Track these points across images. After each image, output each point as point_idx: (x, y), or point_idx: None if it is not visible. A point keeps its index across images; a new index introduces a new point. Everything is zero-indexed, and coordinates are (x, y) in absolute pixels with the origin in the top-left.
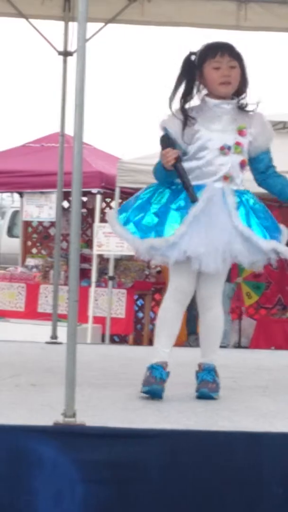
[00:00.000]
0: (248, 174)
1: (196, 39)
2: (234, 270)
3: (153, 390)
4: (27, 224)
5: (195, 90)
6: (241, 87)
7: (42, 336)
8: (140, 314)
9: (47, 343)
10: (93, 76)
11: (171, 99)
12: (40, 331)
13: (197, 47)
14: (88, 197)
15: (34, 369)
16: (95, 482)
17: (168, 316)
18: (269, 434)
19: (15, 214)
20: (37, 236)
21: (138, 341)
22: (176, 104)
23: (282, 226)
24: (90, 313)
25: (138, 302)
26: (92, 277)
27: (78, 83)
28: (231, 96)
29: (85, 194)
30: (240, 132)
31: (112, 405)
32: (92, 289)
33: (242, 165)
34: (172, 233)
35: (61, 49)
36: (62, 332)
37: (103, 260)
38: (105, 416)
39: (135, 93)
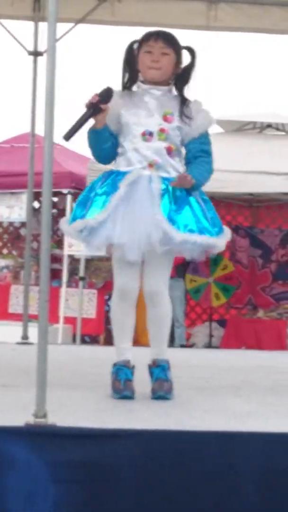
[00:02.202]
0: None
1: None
2: (206, 269)
3: (124, 397)
4: None
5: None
6: (179, 76)
7: (13, 337)
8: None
9: (18, 343)
10: (63, 76)
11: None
12: (11, 331)
13: None
14: (59, 198)
15: (5, 370)
16: (67, 483)
17: (118, 316)
18: (241, 434)
19: None
20: (7, 237)
21: (109, 341)
22: None
23: (224, 226)
24: (61, 314)
25: (109, 302)
26: (63, 278)
27: (48, 83)
28: (166, 82)
29: (55, 194)
30: (165, 118)
31: (83, 405)
32: (63, 289)
33: (169, 151)
34: (93, 217)
35: (31, 49)
36: (33, 332)
37: (73, 260)
38: (77, 417)
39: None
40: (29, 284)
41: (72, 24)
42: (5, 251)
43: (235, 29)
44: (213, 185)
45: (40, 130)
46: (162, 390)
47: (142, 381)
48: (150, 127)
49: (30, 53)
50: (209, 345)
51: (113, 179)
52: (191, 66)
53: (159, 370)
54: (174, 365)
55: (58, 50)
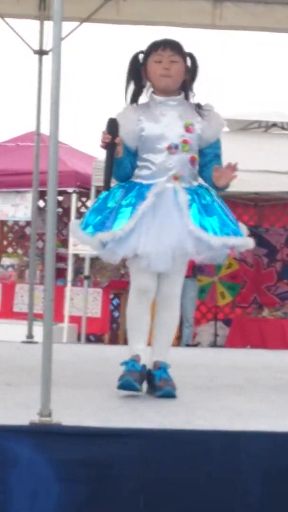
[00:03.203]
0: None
1: (171, 38)
2: (211, 268)
3: (126, 382)
4: (3, 223)
5: (144, 90)
6: (188, 83)
7: (17, 336)
8: (116, 313)
9: (23, 342)
10: (69, 75)
11: (126, 99)
12: (16, 330)
13: None
14: (64, 196)
15: (10, 369)
16: (71, 481)
17: (134, 315)
18: (245, 433)
19: None
20: (12, 236)
21: (113, 340)
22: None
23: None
24: (66, 313)
25: (114, 301)
26: (67, 277)
27: (53, 82)
28: (177, 91)
29: (60, 193)
30: (187, 129)
31: (88, 404)
32: (68, 288)
33: (192, 162)
34: (120, 228)
35: (36, 48)
36: (38, 331)
37: (78, 259)
38: (81, 415)
39: (111, 92)
40: (34, 283)
41: (77, 23)
42: (10, 250)
43: (240, 28)
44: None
45: (45, 129)
46: (169, 386)
47: (145, 381)
48: (175, 139)
49: (36, 52)
50: (214, 344)
51: (138, 190)
52: (194, 72)
53: (161, 372)
54: (179, 364)
55: (63, 49)
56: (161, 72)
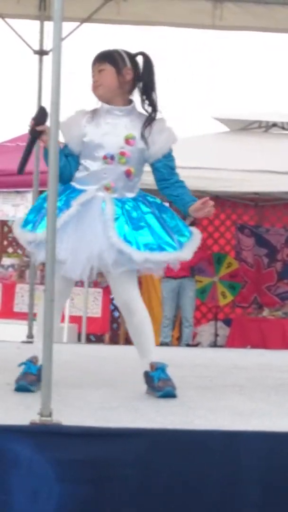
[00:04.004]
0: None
1: (172, 38)
2: (211, 268)
3: (20, 386)
4: (3, 223)
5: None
6: (142, 87)
7: (18, 336)
8: (116, 314)
9: (23, 342)
10: (69, 75)
11: None
12: (16, 330)
13: (173, 46)
14: None
15: (10, 369)
16: (72, 482)
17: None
18: (245, 433)
19: None
20: (13, 236)
21: (114, 340)
22: None
23: (192, 229)
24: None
25: (114, 302)
26: None
27: (53, 82)
28: (127, 101)
29: None
30: (127, 142)
31: (88, 404)
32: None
33: (128, 174)
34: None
35: (36, 48)
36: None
37: None
38: (82, 415)
39: None
40: (34, 283)
41: (77, 23)
42: (10, 250)
43: (240, 28)
44: (218, 184)
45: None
46: (169, 386)
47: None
48: (112, 149)
49: (36, 52)
50: (214, 344)
51: (67, 195)
52: (146, 72)
53: (159, 372)
54: (179, 364)
55: (63, 49)
56: (92, 85)
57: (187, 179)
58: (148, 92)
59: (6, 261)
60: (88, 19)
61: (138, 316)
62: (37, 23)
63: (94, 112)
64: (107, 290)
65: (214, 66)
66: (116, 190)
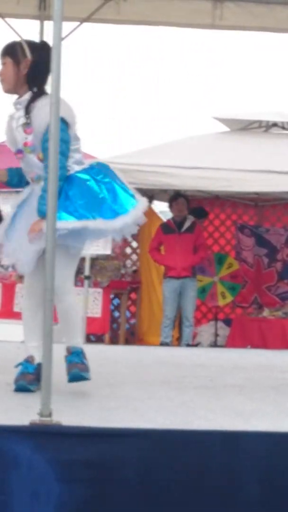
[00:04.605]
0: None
1: (172, 38)
2: (212, 268)
3: (20, 387)
4: None
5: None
6: (30, 78)
7: (18, 336)
8: (116, 313)
9: (23, 342)
10: (69, 74)
11: None
12: (16, 330)
13: (172, 46)
14: None
15: (10, 369)
16: (71, 482)
17: (26, 314)
18: (245, 433)
19: None
20: None
21: (114, 340)
22: None
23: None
24: None
25: (114, 301)
26: None
27: (53, 82)
28: (25, 89)
29: None
30: (25, 131)
31: (88, 404)
32: None
33: (39, 159)
34: None
35: None
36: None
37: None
38: (81, 416)
39: (111, 91)
40: None
41: (77, 23)
42: None
43: (240, 28)
44: (218, 184)
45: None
46: (76, 368)
47: (145, 381)
48: (19, 145)
49: None
50: (214, 344)
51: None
52: (38, 60)
53: (73, 356)
54: (179, 364)
55: (63, 48)
56: None
57: (187, 178)
58: (35, 80)
59: (6, 261)
60: (88, 19)
61: (64, 303)
62: (37, 22)
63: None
64: (107, 290)
65: (214, 66)
66: (39, 178)
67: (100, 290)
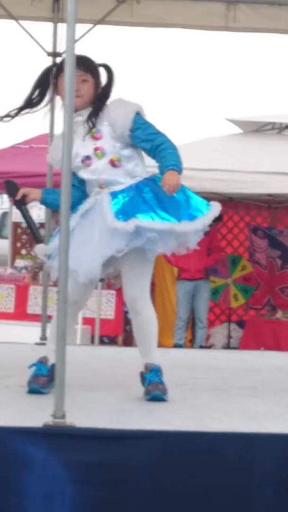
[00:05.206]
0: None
1: (185, 40)
2: (225, 270)
3: (33, 389)
4: (17, 225)
5: (45, 99)
6: (97, 98)
7: (31, 337)
8: (130, 315)
9: (37, 344)
10: None
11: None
12: (30, 332)
13: (187, 48)
14: None
15: (23, 370)
16: (85, 483)
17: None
18: (259, 435)
19: (4, 215)
20: (26, 238)
21: (127, 342)
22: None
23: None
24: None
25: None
26: None
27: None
28: (84, 107)
29: None
30: (94, 137)
31: (102, 406)
32: None
33: (112, 164)
34: (50, 244)
35: (50, 50)
36: None
37: None
38: (95, 417)
39: (123, 94)
40: (48, 285)
41: (91, 25)
42: (23, 251)
43: (253, 30)
44: (232, 186)
45: (59, 131)
46: (157, 390)
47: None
48: (86, 152)
49: (49, 54)
50: (227, 346)
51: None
52: (109, 84)
53: (152, 375)
54: (192, 366)
55: (77, 51)
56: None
57: (200, 180)
58: (103, 102)
59: (20, 263)
60: (101, 21)
61: (138, 317)
62: (50, 25)
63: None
64: (120, 292)
65: (227, 67)
66: (110, 183)
67: (113, 292)
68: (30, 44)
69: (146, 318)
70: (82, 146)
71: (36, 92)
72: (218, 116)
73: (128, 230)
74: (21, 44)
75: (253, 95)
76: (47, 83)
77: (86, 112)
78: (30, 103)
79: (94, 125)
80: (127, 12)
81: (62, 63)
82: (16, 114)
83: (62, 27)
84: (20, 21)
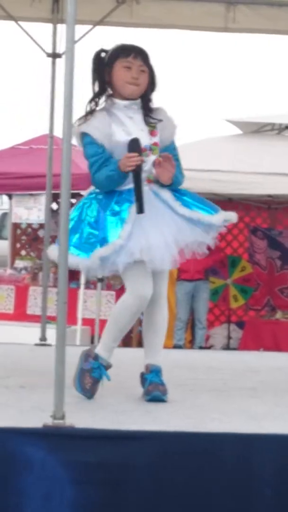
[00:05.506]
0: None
1: (185, 41)
2: (225, 270)
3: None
4: (16, 226)
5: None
6: (147, 93)
7: (31, 338)
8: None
9: (36, 345)
10: (82, 78)
11: (93, 99)
12: (29, 333)
13: (186, 49)
14: (77, 199)
15: (23, 371)
16: (85, 484)
17: (126, 321)
18: (258, 436)
19: (4, 216)
20: (26, 238)
21: (126, 343)
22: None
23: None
24: (79, 315)
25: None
26: (81, 279)
27: (66, 85)
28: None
29: (73, 195)
30: (152, 133)
31: (101, 406)
32: (81, 291)
33: (155, 162)
34: (117, 237)
35: (49, 51)
36: (51, 334)
37: None
38: (95, 418)
39: None
40: (47, 286)
41: (90, 26)
42: (23, 252)
43: (253, 31)
44: (231, 187)
45: (58, 132)
46: (157, 390)
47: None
48: (146, 142)
49: (49, 55)
50: (227, 347)
51: (118, 197)
52: (153, 85)
53: (152, 375)
54: (192, 367)
55: (76, 52)
56: (130, 80)
57: (199, 181)
58: (148, 101)
59: (19, 263)
60: (100, 22)
61: (163, 315)
62: (50, 26)
63: (107, 109)
64: (120, 293)
65: (227, 68)
66: (156, 181)
67: (113, 292)
68: (30, 45)
69: (164, 317)
70: (138, 134)
71: (97, 86)
72: (217, 117)
73: (217, 223)
74: (20, 45)
75: (253, 96)
76: (102, 72)
77: (138, 104)
78: (97, 100)
79: (155, 121)
80: (126, 13)
81: (117, 48)
82: (92, 111)
83: (61, 28)
84: (20, 22)
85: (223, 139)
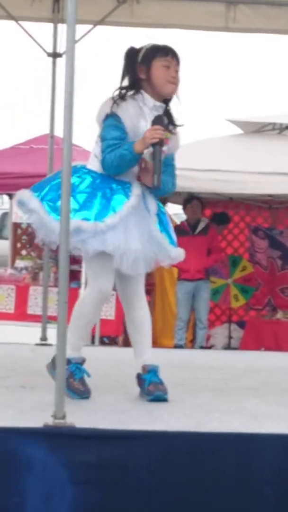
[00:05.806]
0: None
1: (185, 40)
2: (226, 270)
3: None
4: (17, 226)
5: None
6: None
7: (31, 338)
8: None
9: (37, 344)
10: (82, 77)
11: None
12: (30, 332)
13: (186, 49)
14: None
15: (24, 371)
16: (85, 484)
17: (90, 316)
18: (259, 435)
19: (5, 216)
20: (26, 238)
21: (127, 343)
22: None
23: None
24: None
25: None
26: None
27: (67, 85)
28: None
29: None
30: (165, 141)
31: (102, 406)
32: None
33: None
34: (102, 221)
35: (50, 50)
36: (52, 333)
37: None
38: (95, 418)
39: None
40: (48, 286)
41: (91, 26)
42: (23, 252)
43: (253, 31)
44: (232, 186)
45: (59, 132)
46: (159, 390)
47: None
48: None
49: (49, 55)
50: (228, 347)
51: (114, 186)
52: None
53: (151, 375)
54: (193, 367)
55: (77, 51)
56: (170, 79)
57: (201, 181)
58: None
59: (20, 263)
60: (101, 21)
61: (142, 313)
62: (50, 25)
63: (135, 101)
64: None
65: (227, 68)
66: (142, 184)
67: (113, 292)
68: (30, 45)
69: (147, 314)
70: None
71: (128, 81)
72: (218, 117)
73: (173, 256)
74: (21, 44)
75: (253, 95)
76: (134, 68)
77: (164, 107)
78: (124, 95)
79: (172, 130)
80: (127, 13)
81: (154, 47)
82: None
83: (62, 28)
84: (20, 22)
85: (224, 139)
